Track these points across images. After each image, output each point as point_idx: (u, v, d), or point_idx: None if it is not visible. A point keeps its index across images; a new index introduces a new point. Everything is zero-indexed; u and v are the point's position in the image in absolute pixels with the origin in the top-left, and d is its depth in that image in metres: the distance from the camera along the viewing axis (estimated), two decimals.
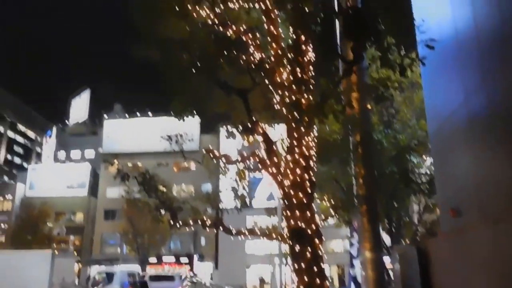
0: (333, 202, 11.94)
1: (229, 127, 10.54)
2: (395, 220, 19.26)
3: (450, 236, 10.46)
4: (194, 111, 9.92)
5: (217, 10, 9.39)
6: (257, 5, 9.50)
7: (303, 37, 8.66)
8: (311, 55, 8.96)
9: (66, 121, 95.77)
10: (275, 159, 8.87)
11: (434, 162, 13.28)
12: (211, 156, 10.42)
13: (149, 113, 71.25)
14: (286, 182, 8.40)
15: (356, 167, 10.53)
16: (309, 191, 8.31)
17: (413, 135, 17.56)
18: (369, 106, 11.24)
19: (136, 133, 68.03)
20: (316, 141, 8.91)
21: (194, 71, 8.67)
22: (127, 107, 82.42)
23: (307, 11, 8.25)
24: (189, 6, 9.07)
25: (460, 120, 10.13)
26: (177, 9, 8.91)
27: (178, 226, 9.87)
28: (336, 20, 8.86)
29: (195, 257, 60.06)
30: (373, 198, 10.08)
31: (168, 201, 9.92)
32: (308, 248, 7.94)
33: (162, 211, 10.09)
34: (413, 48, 9.98)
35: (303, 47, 8.80)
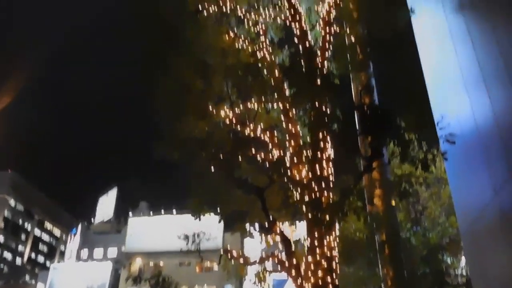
0: None
1: (248, 226, 10.26)
2: None
3: None
4: (212, 210, 9.76)
5: (237, 110, 9.66)
6: (275, 105, 9.75)
7: (321, 135, 8.67)
8: (330, 151, 8.90)
9: (92, 219, 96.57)
10: (295, 261, 8.40)
11: (468, 263, 12.37)
12: (230, 256, 10.01)
13: (174, 210, 71.27)
14: (308, 286, 7.84)
15: (383, 269, 9.85)
16: None
17: (444, 232, 16.67)
18: (393, 203, 10.86)
19: (160, 231, 67.41)
20: (338, 241, 8.47)
21: (212, 170, 8.67)
22: (153, 203, 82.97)
23: (325, 110, 8.37)
24: (210, 106, 9.37)
25: (491, 217, 9.57)
26: (198, 109, 9.21)
27: None
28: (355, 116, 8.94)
29: None
30: None
31: None
32: None
33: None
34: (435, 142, 9.86)
35: (322, 144, 8.78)
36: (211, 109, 9.41)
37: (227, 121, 9.41)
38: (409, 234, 15.86)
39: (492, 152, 9.49)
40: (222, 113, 9.43)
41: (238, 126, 9.38)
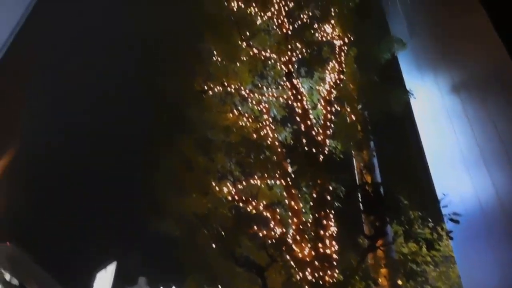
0: None
1: None
2: None
3: None
4: None
5: (239, 186, 9.70)
6: (277, 182, 9.80)
7: (323, 212, 8.63)
8: (333, 229, 8.80)
9: None
10: None
11: None
12: None
13: (173, 286, 68.67)
14: None
15: None
16: None
17: None
18: (399, 282, 10.49)
19: None
20: None
21: (212, 247, 8.54)
22: (151, 279, 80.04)
23: (327, 187, 8.40)
24: (212, 182, 9.43)
25: None
26: (200, 186, 9.26)
27: None
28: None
29: None
30: None
31: None
32: None
33: None
34: (441, 220, 9.76)
35: (325, 221, 8.71)
36: (213, 185, 9.46)
37: (229, 198, 9.42)
38: None
39: (498, 233, 9.37)
40: (225, 189, 9.47)
41: (240, 203, 9.38)
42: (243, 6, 11.59)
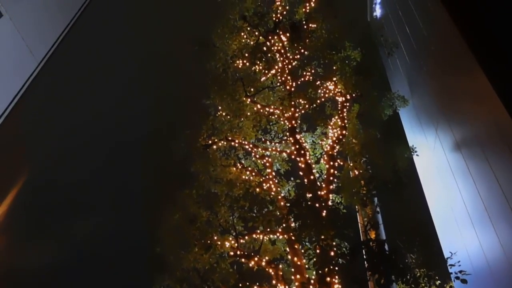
0: None
1: None
2: None
3: None
4: None
5: (242, 240, 9.61)
6: (280, 237, 9.71)
7: (327, 269, 8.47)
8: (337, 287, 8.60)
9: None
10: None
11: None
12: None
13: None
14: None
15: None
16: None
17: None
18: None
19: None
20: None
21: None
22: None
23: (331, 242, 8.32)
24: (214, 237, 9.35)
25: None
26: (202, 241, 9.18)
27: None
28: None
29: None
30: None
31: None
32: None
33: None
34: (448, 278, 9.54)
35: (328, 279, 8.53)
36: (215, 240, 9.38)
37: (232, 253, 9.31)
38: None
39: None
40: (227, 244, 9.38)
41: (243, 258, 9.25)
42: (247, 64, 12.01)
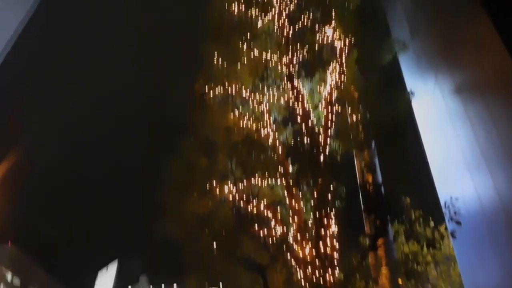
0: None
1: None
2: None
3: None
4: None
5: (240, 186, 9.76)
6: (279, 181, 9.86)
7: (324, 212, 8.70)
8: (334, 229, 8.86)
9: None
10: None
11: None
12: None
13: (175, 285, 68.72)
14: None
15: None
16: None
17: None
18: (400, 282, 10.53)
19: None
20: None
21: (214, 247, 8.61)
22: (153, 278, 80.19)
23: (329, 187, 8.47)
24: (214, 183, 9.50)
25: None
26: (202, 187, 9.32)
27: None
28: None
29: None
30: None
31: None
32: None
33: None
34: (442, 220, 9.82)
35: (326, 221, 8.77)
36: (214, 186, 9.53)
37: (230, 198, 9.49)
38: None
39: (499, 234, 9.39)
40: (226, 189, 9.54)
41: (241, 202, 9.44)
42: (243, 9, 11.66)
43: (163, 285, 71.03)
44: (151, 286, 75.51)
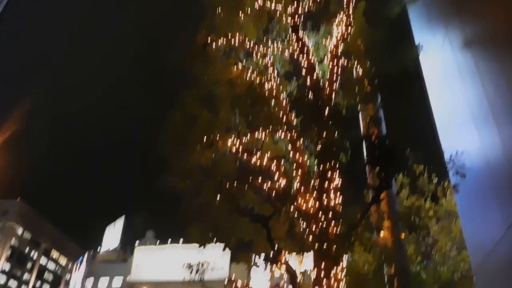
0: None
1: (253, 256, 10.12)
2: None
3: None
4: (216, 239, 9.64)
5: (244, 139, 9.71)
6: (283, 135, 9.79)
7: (328, 165, 8.66)
8: (337, 182, 8.86)
9: (99, 247, 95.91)
10: None
11: None
12: (234, 287, 9.84)
13: (181, 240, 70.72)
14: None
15: None
16: None
17: (455, 267, 16.22)
18: (403, 236, 10.66)
19: (166, 261, 66.67)
20: (346, 271, 8.31)
21: (217, 198, 8.65)
22: (159, 233, 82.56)
23: (333, 140, 8.38)
24: (217, 136, 9.44)
25: (503, 253, 9.34)
26: (205, 139, 9.27)
27: None
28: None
29: None
30: None
31: None
32: None
33: None
34: (445, 176, 9.78)
35: (329, 174, 8.75)
36: (217, 139, 9.48)
37: (234, 150, 9.46)
38: (419, 268, 15.48)
39: (503, 188, 9.36)
40: (229, 142, 9.49)
41: (245, 155, 9.41)
42: None
43: (169, 239, 73.18)
44: (157, 241, 77.85)
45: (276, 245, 8.67)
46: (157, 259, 69.72)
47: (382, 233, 9.96)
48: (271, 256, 8.59)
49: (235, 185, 8.64)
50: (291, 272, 8.56)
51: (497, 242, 9.59)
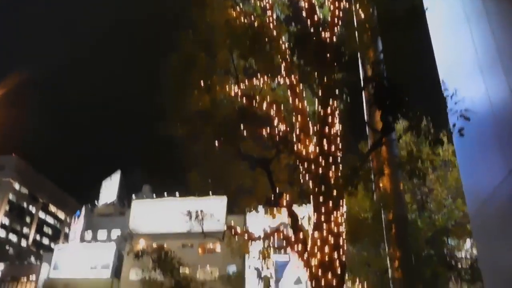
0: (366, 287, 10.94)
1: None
2: None
3: None
4: (215, 186, 9.61)
5: (242, 86, 9.44)
6: (282, 81, 9.52)
7: (329, 109, 8.46)
8: (338, 127, 8.69)
9: (96, 201, 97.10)
10: (301, 236, 8.25)
11: (478, 246, 12.16)
12: (234, 233, 9.90)
13: (177, 193, 71.56)
14: (314, 262, 7.70)
15: (390, 248, 9.71)
16: (339, 272, 7.56)
17: (450, 215, 16.51)
18: (401, 186, 10.66)
19: (163, 214, 67.71)
20: (345, 217, 8.31)
21: (216, 145, 8.50)
22: (155, 188, 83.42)
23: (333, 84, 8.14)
24: (215, 79, 9.16)
25: (503, 198, 9.35)
26: (202, 83, 8.99)
27: None
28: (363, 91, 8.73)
29: None
30: (411, 282, 9.13)
31: (185, 281, 9.31)
32: None
33: None
34: (444, 125, 9.63)
35: (329, 119, 8.56)
36: (216, 83, 9.20)
37: (232, 95, 9.20)
38: (415, 216, 15.74)
39: (507, 133, 9.25)
40: (227, 87, 9.22)
41: (244, 99, 9.16)
42: None
43: (165, 193, 73.92)
44: (154, 195, 78.68)
45: (277, 188, 8.61)
46: (155, 212, 70.81)
47: (381, 180, 9.95)
48: (272, 199, 8.55)
49: (234, 129, 8.44)
50: (293, 215, 8.54)
51: (497, 187, 9.58)
